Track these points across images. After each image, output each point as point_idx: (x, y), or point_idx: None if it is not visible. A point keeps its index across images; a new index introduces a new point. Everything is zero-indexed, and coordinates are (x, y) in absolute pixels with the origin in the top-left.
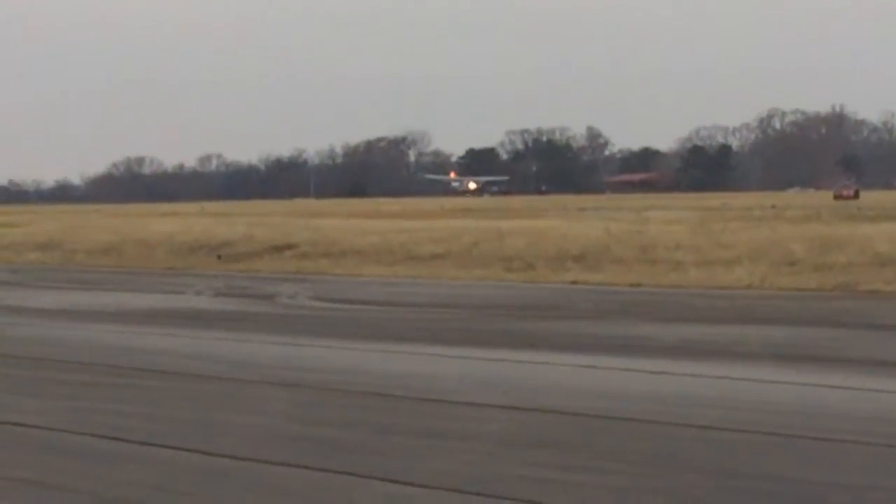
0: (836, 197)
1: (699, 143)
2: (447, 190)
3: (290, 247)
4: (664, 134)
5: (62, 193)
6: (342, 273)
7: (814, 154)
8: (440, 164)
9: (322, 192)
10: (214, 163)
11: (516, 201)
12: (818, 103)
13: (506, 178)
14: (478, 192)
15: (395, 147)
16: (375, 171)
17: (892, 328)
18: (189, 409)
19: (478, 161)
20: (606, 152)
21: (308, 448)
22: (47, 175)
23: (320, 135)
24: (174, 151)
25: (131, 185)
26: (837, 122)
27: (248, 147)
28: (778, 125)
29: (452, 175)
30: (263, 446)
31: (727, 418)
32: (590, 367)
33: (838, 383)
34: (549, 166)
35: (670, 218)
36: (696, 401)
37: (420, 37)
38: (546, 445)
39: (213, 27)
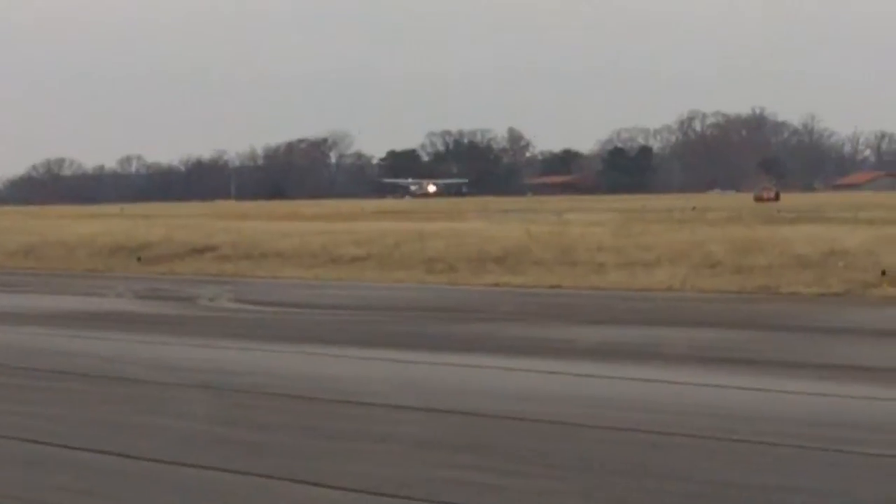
0: (757, 199)
1: (620, 146)
2: (405, 193)
3: (210, 249)
4: (585, 136)
5: None
6: (263, 275)
7: (734, 156)
8: (361, 166)
9: (243, 194)
10: (135, 164)
11: (438, 203)
12: (739, 105)
13: (464, 180)
14: (437, 194)
15: (316, 149)
16: (296, 172)
17: (812, 330)
18: (110, 411)
19: (399, 163)
20: (528, 154)
21: (230, 451)
22: None
23: (241, 136)
24: (94, 153)
25: (51, 186)
26: (758, 124)
27: (169, 148)
28: (699, 127)
29: (409, 178)
30: (186, 449)
31: (649, 420)
32: (511, 370)
33: (759, 385)
34: (471, 168)
35: (591, 220)
36: (617, 403)
37: (342, 37)
38: (467, 448)
39: (133, 27)
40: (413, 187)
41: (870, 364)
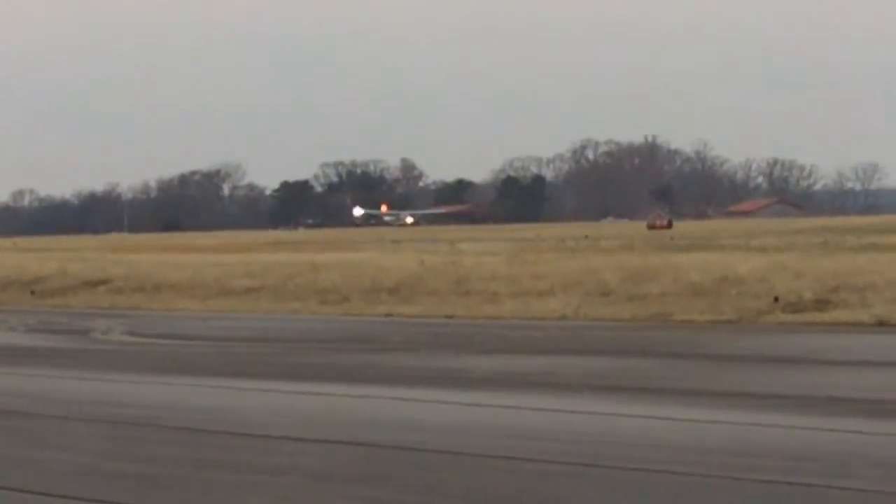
0: (650, 227)
1: (513, 174)
2: (379, 224)
3: (103, 282)
4: (478, 165)
5: None
6: (157, 308)
7: (627, 184)
8: (254, 197)
9: (136, 227)
10: (28, 198)
11: (331, 234)
12: (631, 133)
13: (442, 210)
14: (415, 224)
15: (208, 181)
16: (190, 204)
17: (706, 358)
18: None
19: (292, 194)
20: (421, 184)
21: (124, 484)
22: None
23: (134, 169)
24: None
25: None
26: (650, 152)
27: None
28: (591, 155)
29: (384, 209)
30: (79, 483)
31: (542, 449)
32: (404, 400)
33: (653, 413)
34: (364, 198)
35: (485, 249)
36: (509, 432)
37: (235, 68)
38: (361, 480)
39: (23, 58)
40: (387, 218)
41: (762, 391)
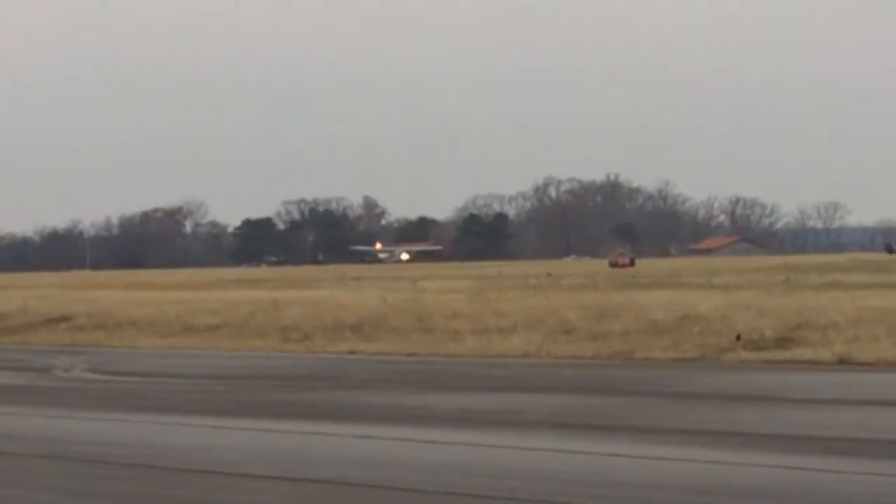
0: (612, 265)
1: (475, 212)
2: (374, 261)
3: (65, 319)
4: (440, 203)
5: None
6: (118, 345)
7: (590, 222)
8: (217, 235)
9: (98, 264)
10: None
11: (293, 271)
12: (593, 171)
13: (439, 246)
14: (410, 261)
15: (171, 218)
16: (152, 242)
17: (667, 396)
18: None
19: (254, 232)
20: (383, 222)
21: None
22: None
23: (96, 205)
24: None
25: None
26: (612, 190)
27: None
28: (554, 193)
29: (379, 246)
30: None
31: (500, 487)
32: (365, 437)
33: (614, 451)
34: (327, 236)
35: (447, 287)
36: (469, 469)
37: (199, 106)
38: None
39: None
40: (382, 255)
41: (723, 429)
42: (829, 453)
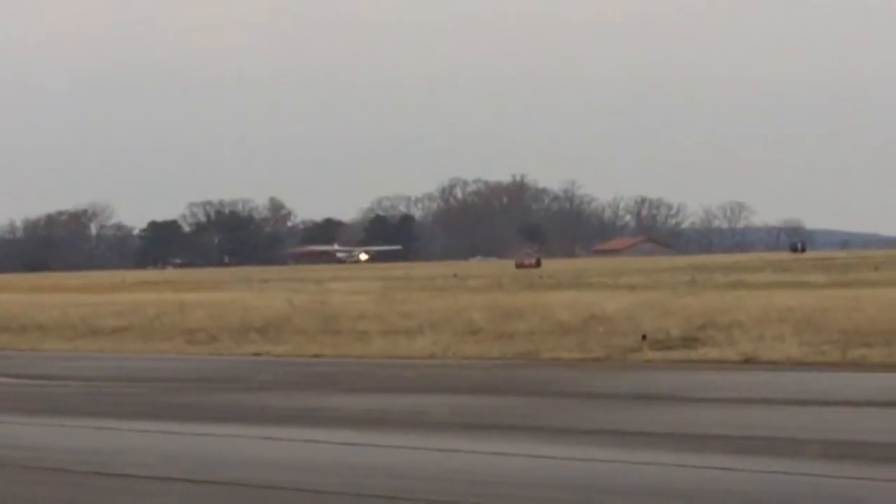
0: (519, 265)
1: (382, 213)
2: (331, 261)
3: None
4: (347, 204)
5: None
6: (23, 348)
7: (496, 223)
8: (123, 237)
9: (2, 267)
10: None
11: (199, 273)
12: (499, 172)
13: (397, 246)
14: (370, 261)
15: (76, 220)
16: (57, 244)
17: (573, 396)
18: None
19: (160, 234)
20: (289, 223)
21: None
22: None
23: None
24: None
25: None
26: (519, 190)
27: None
28: (460, 194)
29: (335, 245)
30: None
31: (402, 488)
32: (271, 439)
33: (519, 451)
34: (233, 238)
35: (354, 288)
36: (372, 471)
37: (104, 108)
38: None
39: None
40: (340, 254)
41: (629, 429)
42: (734, 452)
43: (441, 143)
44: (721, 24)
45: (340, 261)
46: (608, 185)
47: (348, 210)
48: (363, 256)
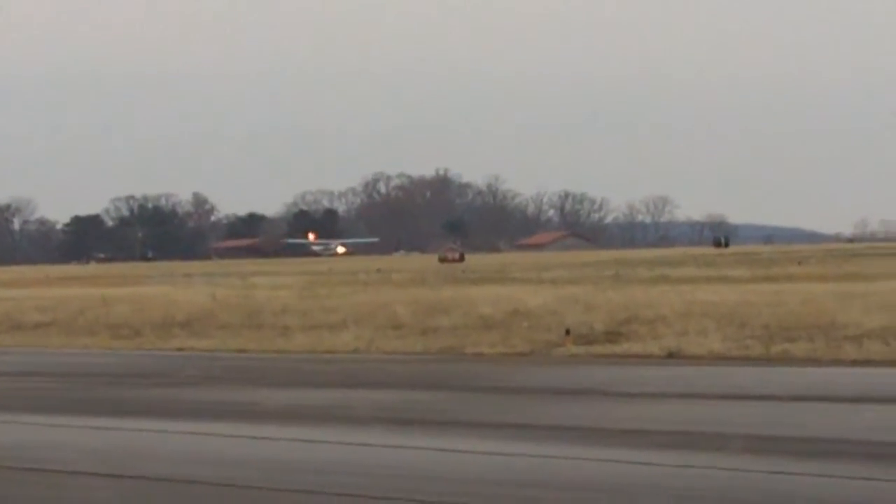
0: (442, 260)
1: (305, 208)
2: (307, 254)
3: None
4: (270, 199)
5: None
6: None
7: (420, 217)
8: (45, 231)
9: None
10: None
11: (122, 268)
12: (423, 167)
13: (375, 238)
14: (347, 255)
15: None
16: None
17: (496, 390)
18: None
19: (83, 228)
20: (213, 218)
21: None
22: None
23: None
24: None
25: None
26: (442, 185)
27: None
28: (383, 189)
29: (313, 238)
30: None
31: (327, 483)
32: (194, 434)
33: (443, 446)
34: (156, 233)
35: (277, 283)
36: (297, 466)
37: (27, 102)
38: None
39: None
40: (316, 247)
41: (551, 423)
42: (656, 447)
43: (364, 138)
44: (644, 20)
45: (316, 254)
46: (532, 180)
47: (272, 205)
48: (340, 249)
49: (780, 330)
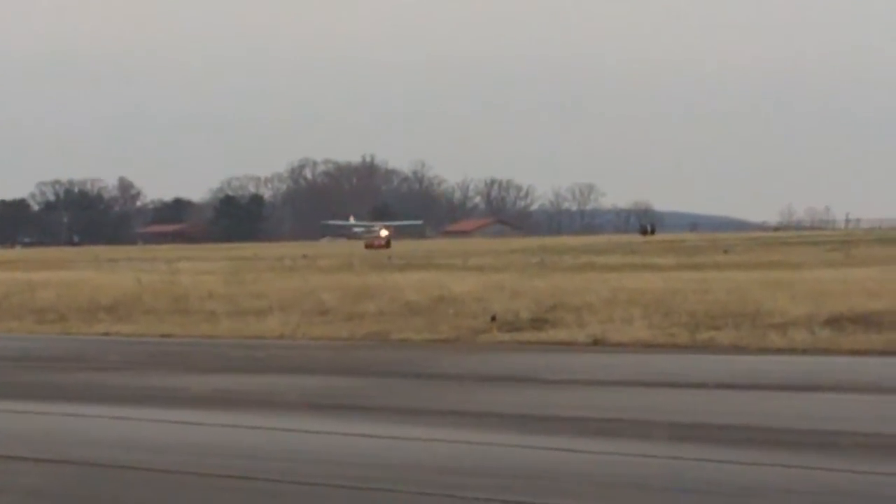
0: (368, 246)
1: (231, 194)
2: (349, 236)
3: None
4: (196, 184)
5: None
6: None
7: (346, 203)
8: None
9: None
10: None
11: (47, 253)
12: (349, 153)
13: (419, 221)
14: (390, 238)
15: None
16: None
17: (421, 376)
18: None
19: (8, 212)
20: (139, 203)
21: None
22: None
23: None
24: None
25: None
26: (368, 171)
27: None
28: (310, 175)
29: (352, 219)
30: None
31: (257, 468)
32: (118, 418)
33: (368, 432)
34: (82, 217)
35: (203, 269)
36: (224, 451)
37: None
38: (78, 498)
39: None
40: (358, 230)
41: (477, 410)
42: (580, 434)
43: (290, 124)
44: (574, 6)
45: (358, 236)
46: (458, 167)
47: (198, 190)
48: (384, 232)
49: (705, 318)
